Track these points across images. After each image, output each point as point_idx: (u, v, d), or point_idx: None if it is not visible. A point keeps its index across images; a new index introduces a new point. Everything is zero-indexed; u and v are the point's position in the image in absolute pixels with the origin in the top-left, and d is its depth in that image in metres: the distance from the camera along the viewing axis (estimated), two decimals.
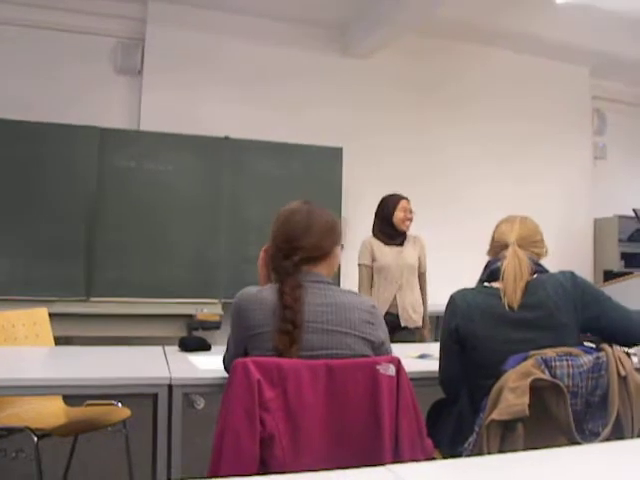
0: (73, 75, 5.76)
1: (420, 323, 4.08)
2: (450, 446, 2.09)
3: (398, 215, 4.04)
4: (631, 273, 6.15)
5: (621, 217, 7.15)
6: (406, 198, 4.11)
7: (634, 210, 5.68)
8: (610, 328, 2.05)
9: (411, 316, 4.01)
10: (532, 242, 2.20)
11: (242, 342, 1.88)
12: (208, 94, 5.96)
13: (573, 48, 6.91)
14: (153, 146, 5.55)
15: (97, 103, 5.81)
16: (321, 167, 5.97)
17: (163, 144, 5.58)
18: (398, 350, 2.19)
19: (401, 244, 4.10)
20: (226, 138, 5.69)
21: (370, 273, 4.07)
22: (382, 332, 1.98)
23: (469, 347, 2.11)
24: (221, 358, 2.08)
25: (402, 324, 3.97)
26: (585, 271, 7.26)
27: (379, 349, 1.95)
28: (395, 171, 6.39)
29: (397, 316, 3.97)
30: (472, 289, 2.19)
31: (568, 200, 6.82)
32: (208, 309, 5.26)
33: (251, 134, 5.77)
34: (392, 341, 4.54)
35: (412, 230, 4.17)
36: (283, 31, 6.31)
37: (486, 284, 2.16)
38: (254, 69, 6.14)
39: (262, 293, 1.88)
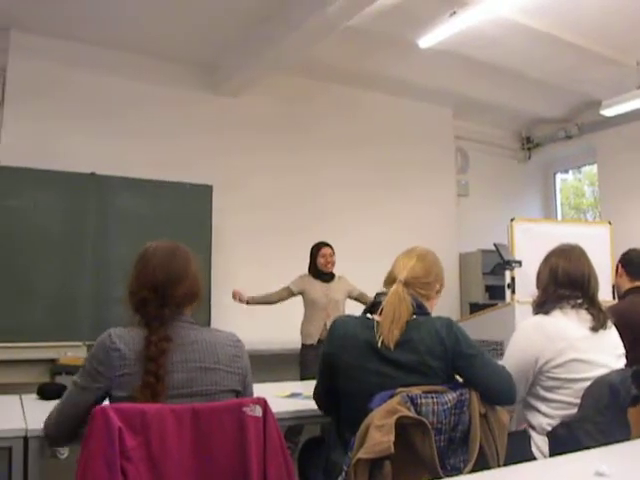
0: None
1: None
2: None
3: (320, 260, 4.94)
4: (495, 304, 6.43)
5: (484, 251, 7.50)
6: (328, 245, 4.99)
7: (495, 244, 5.99)
8: (475, 384, 2.01)
9: None
10: (422, 283, 2.19)
11: (102, 384, 1.78)
12: (73, 128, 5.67)
13: (437, 90, 7.28)
14: (14, 182, 5.22)
15: None
16: (191, 205, 5.83)
17: (25, 180, 5.25)
18: (267, 390, 2.16)
19: (328, 281, 4.95)
20: (92, 174, 5.45)
21: (286, 293, 4.95)
22: (247, 364, 2.00)
23: (341, 375, 2.12)
24: None
25: None
26: (453, 304, 7.54)
27: (247, 381, 1.99)
28: (267, 210, 6.40)
29: None
30: (355, 318, 2.19)
31: (435, 236, 6.99)
32: (72, 352, 4.97)
33: (119, 171, 5.55)
34: None
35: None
36: (153, 67, 6.16)
37: (368, 315, 2.16)
38: (122, 104, 5.93)
39: (130, 334, 1.83)
